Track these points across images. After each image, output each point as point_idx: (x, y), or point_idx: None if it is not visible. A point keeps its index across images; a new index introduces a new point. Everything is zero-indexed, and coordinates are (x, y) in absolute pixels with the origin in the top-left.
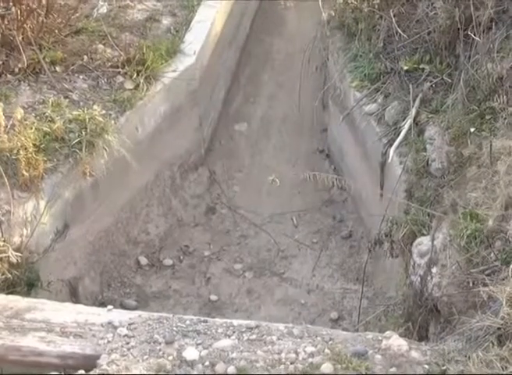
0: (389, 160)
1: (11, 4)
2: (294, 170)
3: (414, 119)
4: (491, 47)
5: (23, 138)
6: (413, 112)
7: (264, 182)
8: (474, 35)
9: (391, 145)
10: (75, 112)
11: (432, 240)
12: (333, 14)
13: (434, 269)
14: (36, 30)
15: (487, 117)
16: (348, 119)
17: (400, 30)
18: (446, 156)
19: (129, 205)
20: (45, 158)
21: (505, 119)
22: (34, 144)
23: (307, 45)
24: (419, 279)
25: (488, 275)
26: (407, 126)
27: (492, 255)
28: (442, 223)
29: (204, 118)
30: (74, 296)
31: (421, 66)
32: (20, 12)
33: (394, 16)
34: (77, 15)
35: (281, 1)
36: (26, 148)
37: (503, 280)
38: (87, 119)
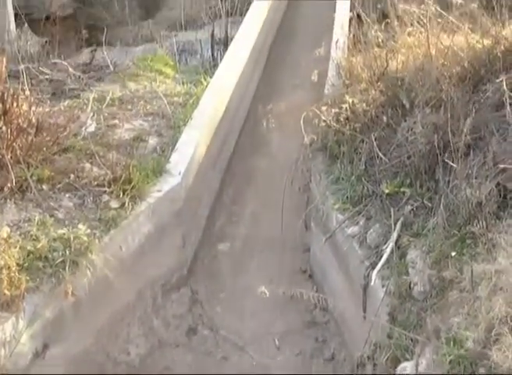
0: (372, 283)
1: (1, 123)
2: (277, 291)
3: (396, 243)
4: (469, 172)
5: (6, 257)
6: (394, 235)
7: (247, 302)
8: (453, 161)
9: (373, 268)
10: (60, 231)
11: (416, 366)
12: (315, 137)
13: None
14: (25, 149)
15: (468, 242)
16: (331, 240)
17: (380, 154)
18: (428, 280)
19: (110, 324)
20: (28, 278)
21: (485, 244)
22: (18, 263)
23: (290, 167)
24: None
25: None
26: (388, 250)
27: None
28: (425, 348)
29: (188, 237)
30: None
31: (401, 190)
32: (10, 131)
33: (375, 139)
34: (66, 133)
35: (264, 123)
36: (9, 267)
37: None
38: (72, 238)
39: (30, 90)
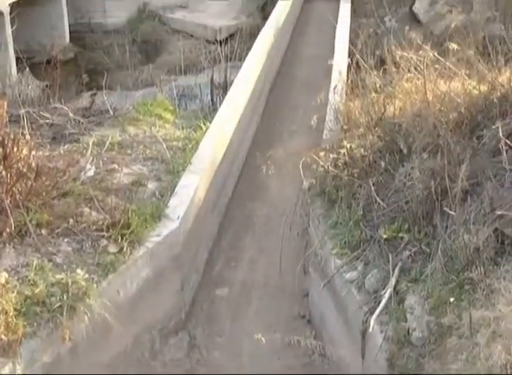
0: (370, 329)
1: (1, 168)
2: (275, 336)
3: (394, 288)
4: (467, 218)
5: (4, 302)
6: (393, 280)
7: (245, 347)
8: (450, 206)
9: (372, 313)
10: (58, 276)
11: None
12: (314, 182)
13: None
14: (24, 193)
15: (466, 287)
16: (329, 285)
17: (378, 199)
18: (426, 326)
19: (107, 369)
20: (25, 323)
21: (483, 290)
22: (15, 309)
23: (289, 211)
24: None
25: None
26: (387, 295)
27: None
28: None
29: (186, 282)
30: None
31: (399, 235)
32: (10, 176)
33: (373, 184)
34: (65, 178)
35: (263, 169)
36: (6, 312)
37: None
38: (70, 283)
39: (30, 134)
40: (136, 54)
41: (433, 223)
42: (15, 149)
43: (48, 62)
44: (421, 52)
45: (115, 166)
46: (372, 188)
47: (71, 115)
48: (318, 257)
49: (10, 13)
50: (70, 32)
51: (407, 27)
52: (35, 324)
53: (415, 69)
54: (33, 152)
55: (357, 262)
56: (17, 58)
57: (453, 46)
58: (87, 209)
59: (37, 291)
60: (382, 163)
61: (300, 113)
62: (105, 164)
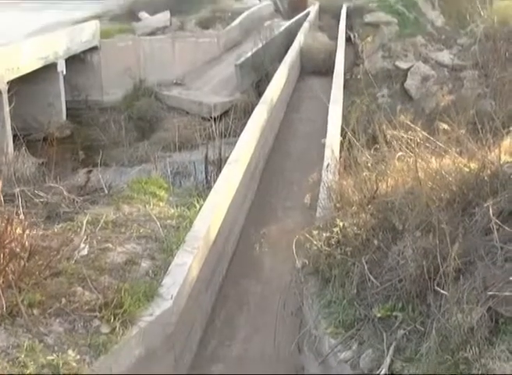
0: None
1: None
2: None
3: (389, 367)
4: (460, 297)
5: None
6: (387, 360)
7: None
8: (443, 285)
9: None
10: (49, 357)
11: None
12: (307, 262)
13: None
14: (17, 273)
15: (461, 367)
16: (324, 365)
17: (372, 278)
18: None
19: None
20: None
21: (479, 370)
22: None
23: (283, 290)
24: None
25: None
26: None
27: None
28: None
29: (180, 361)
30: None
31: (394, 314)
32: (3, 256)
33: (366, 263)
34: (58, 257)
35: (256, 246)
36: None
37: None
38: (61, 364)
39: (24, 213)
40: (131, 130)
41: (427, 301)
42: (8, 229)
43: (45, 139)
44: (411, 132)
45: (109, 244)
46: (365, 267)
47: (66, 193)
48: (313, 336)
49: (8, 91)
50: (67, 109)
51: (398, 107)
52: None
53: (406, 147)
54: (27, 231)
55: (351, 342)
56: (14, 136)
57: (444, 126)
58: (79, 289)
59: (27, 372)
60: (375, 241)
61: (295, 190)
62: (99, 243)
